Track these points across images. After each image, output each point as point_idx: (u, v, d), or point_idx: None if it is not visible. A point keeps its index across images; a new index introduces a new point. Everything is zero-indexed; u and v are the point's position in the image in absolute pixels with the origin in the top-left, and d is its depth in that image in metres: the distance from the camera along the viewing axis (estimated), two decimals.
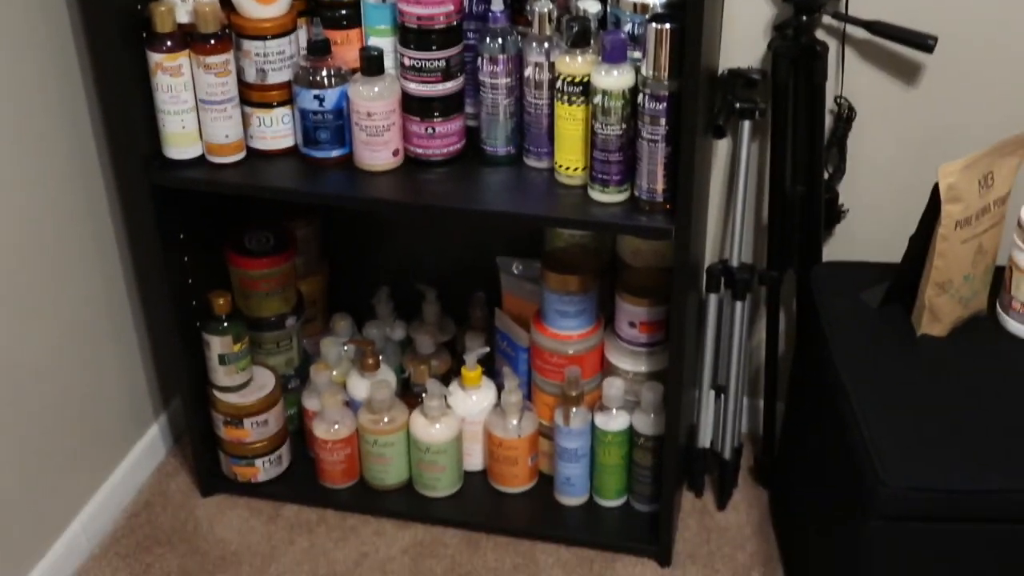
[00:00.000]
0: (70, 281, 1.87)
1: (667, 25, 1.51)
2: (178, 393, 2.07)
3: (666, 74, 1.53)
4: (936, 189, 1.56)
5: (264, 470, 2.04)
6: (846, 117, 1.82)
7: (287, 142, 1.75)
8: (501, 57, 1.64)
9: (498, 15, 1.63)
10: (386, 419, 1.96)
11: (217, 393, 1.97)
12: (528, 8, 1.64)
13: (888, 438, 1.50)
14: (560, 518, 2.00)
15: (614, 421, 1.91)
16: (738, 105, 1.76)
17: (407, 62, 1.66)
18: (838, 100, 1.82)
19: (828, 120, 1.82)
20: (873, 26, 1.72)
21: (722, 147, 1.92)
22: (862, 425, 1.52)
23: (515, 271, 2.00)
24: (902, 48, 1.76)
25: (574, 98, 1.61)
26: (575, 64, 1.59)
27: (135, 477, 2.10)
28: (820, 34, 1.77)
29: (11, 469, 1.78)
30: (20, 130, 1.71)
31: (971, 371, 1.62)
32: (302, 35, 1.72)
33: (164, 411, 2.18)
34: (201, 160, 1.75)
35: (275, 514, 2.05)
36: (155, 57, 1.66)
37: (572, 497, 2.01)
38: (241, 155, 1.75)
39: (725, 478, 2.04)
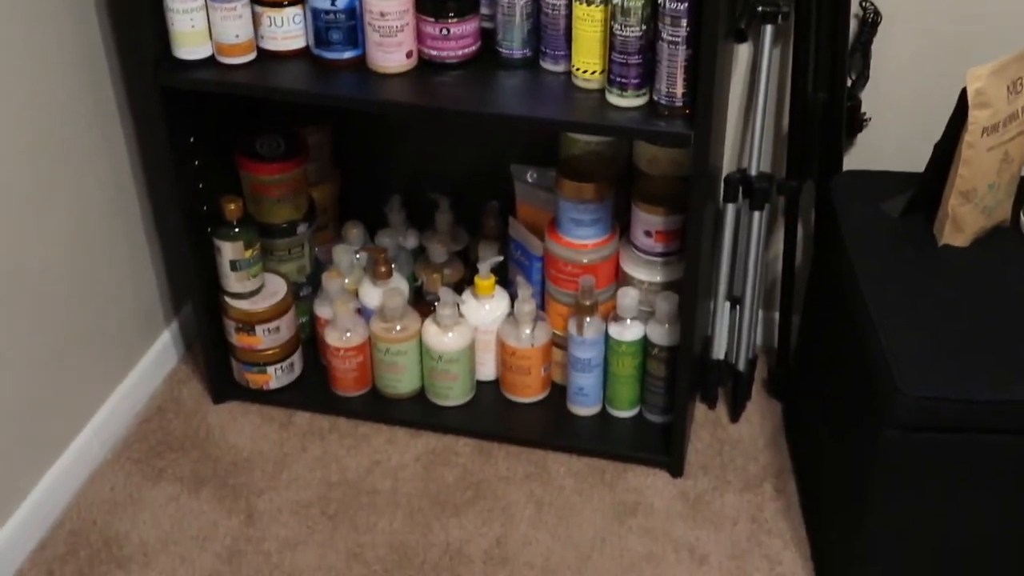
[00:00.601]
0: (79, 186, 1.85)
1: None
2: (189, 300, 2.06)
3: None
4: (963, 94, 1.53)
5: (276, 377, 2.04)
6: (871, 21, 1.77)
7: (298, 43, 1.71)
8: None
9: None
10: (398, 327, 1.95)
11: (228, 300, 1.96)
12: None
13: (906, 347, 1.48)
14: (572, 428, 2.00)
15: (628, 331, 1.90)
16: (760, 8, 1.72)
17: None
18: (863, 4, 1.77)
19: (852, 25, 1.77)
20: None
21: (742, 52, 1.88)
22: (880, 334, 1.51)
23: (529, 179, 1.97)
24: None
25: None
26: None
27: (147, 384, 2.10)
28: None
29: (24, 375, 1.78)
30: (28, 31, 1.67)
31: (992, 282, 1.60)
32: None
33: (175, 318, 2.17)
34: (211, 61, 1.72)
35: (287, 421, 2.05)
36: None
37: (585, 407, 2.00)
38: (252, 56, 1.72)
39: (739, 390, 2.03)
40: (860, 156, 1.92)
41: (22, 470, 1.81)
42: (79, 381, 1.93)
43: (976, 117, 1.52)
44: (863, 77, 1.83)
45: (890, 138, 1.89)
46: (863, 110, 1.86)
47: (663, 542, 1.84)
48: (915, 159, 1.70)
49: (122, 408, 2.03)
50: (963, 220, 1.62)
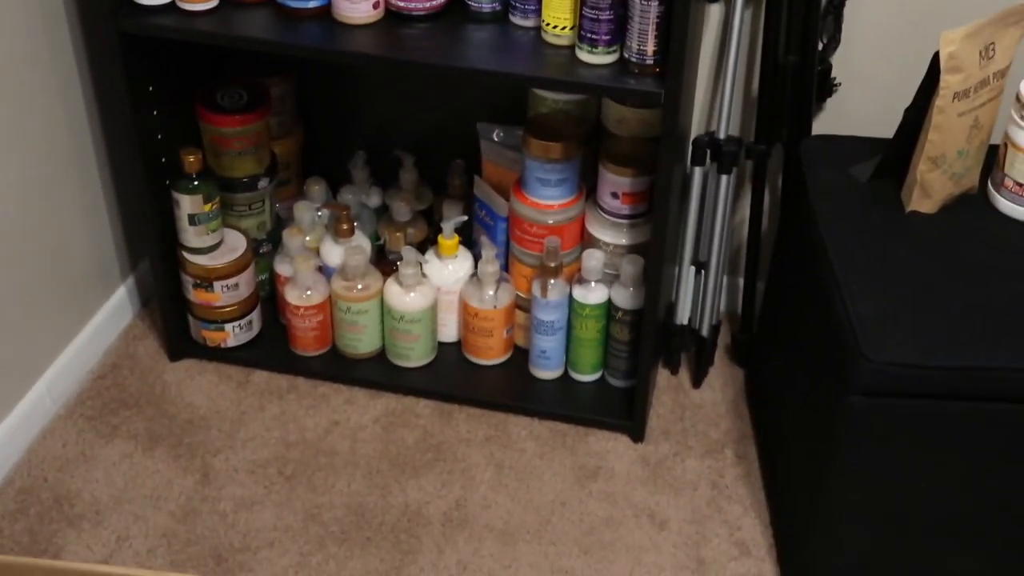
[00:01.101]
0: (33, 134, 1.80)
1: None
2: (146, 254, 2.02)
3: None
4: (936, 58, 1.51)
5: (234, 335, 2.01)
6: None
7: None
8: None
9: None
10: (360, 286, 1.92)
11: (187, 255, 1.92)
12: None
13: (872, 313, 1.47)
14: (534, 391, 1.98)
15: (592, 294, 1.88)
16: None
17: None
18: None
19: None
20: None
21: (714, 13, 1.86)
22: (846, 299, 1.50)
23: (496, 138, 1.94)
24: None
25: None
26: None
27: (102, 339, 2.06)
28: None
29: None
30: None
31: (959, 249, 1.59)
32: None
33: (132, 273, 2.13)
34: (171, 7, 1.67)
35: (245, 380, 2.02)
36: None
37: (547, 371, 1.98)
38: (214, 2, 1.67)
39: (702, 356, 2.02)
40: (830, 121, 1.91)
41: None
42: (32, 335, 1.88)
43: (948, 82, 1.51)
44: (834, 41, 1.81)
45: (860, 103, 1.88)
46: (833, 75, 1.85)
47: (623, 506, 1.83)
48: (885, 125, 1.69)
49: (76, 364, 1.99)
50: (931, 186, 1.61)
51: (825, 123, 1.91)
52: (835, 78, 1.85)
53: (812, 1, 1.74)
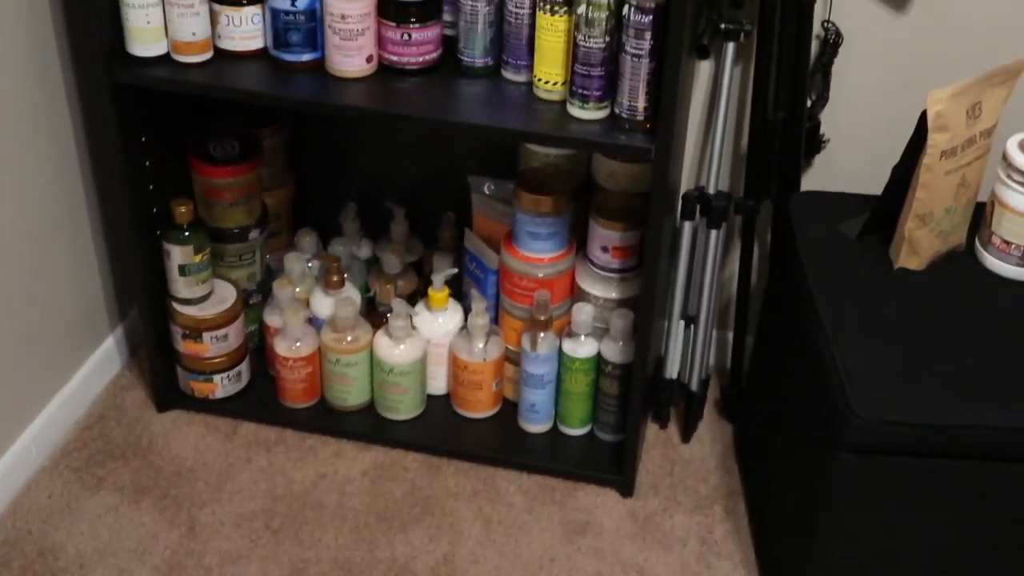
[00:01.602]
0: (24, 183, 1.80)
1: None
2: (135, 304, 2.01)
3: None
4: (923, 117, 1.53)
5: (223, 386, 2.00)
6: (833, 43, 1.78)
7: (256, 43, 1.68)
8: None
9: None
10: (349, 338, 1.92)
11: (176, 305, 1.92)
12: None
13: (861, 369, 1.47)
14: (523, 445, 1.97)
15: (582, 348, 1.88)
16: (723, 25, 1.71)
17: None
18: (825, 24, 1.77)
19: (814, 46, 1.78)
20: None
21: (703, 69, 1.87)
22: (836, 355, 1.50)
23: (487, 191, 1.95)
24: None
25: (557, 7, 1.55)
26: None
27: (88, 390, 2.05)
28: None
29: None
30: None
31: (947, 306, 1.60)
32: None
33: (121, 323, 2.12)
34: (166, 59, 1.68)
35: (232, 432, 2.01)
36: None
37: (536, 424, 1.98)
38: (208, 55, 1.68)
39: (691, 410, 2.02)
40: (818, 177, 1.92)
41: None
42: (18, 385, 1.87)
43: (935, 140, 1.53)
44: (823, 98, 1.83)
45: (848, 160, 1.90)
46: (822, 131, 1.86)
47: (612, 562, 1.81)
48: (873, 181, 1.70)
49: (62, 414, 1.98)
50: (919, 243, 1.62)
51: (813, 179, 1.92)
52: (823, 135, 1.87)
53: (801, 59, 1.75)
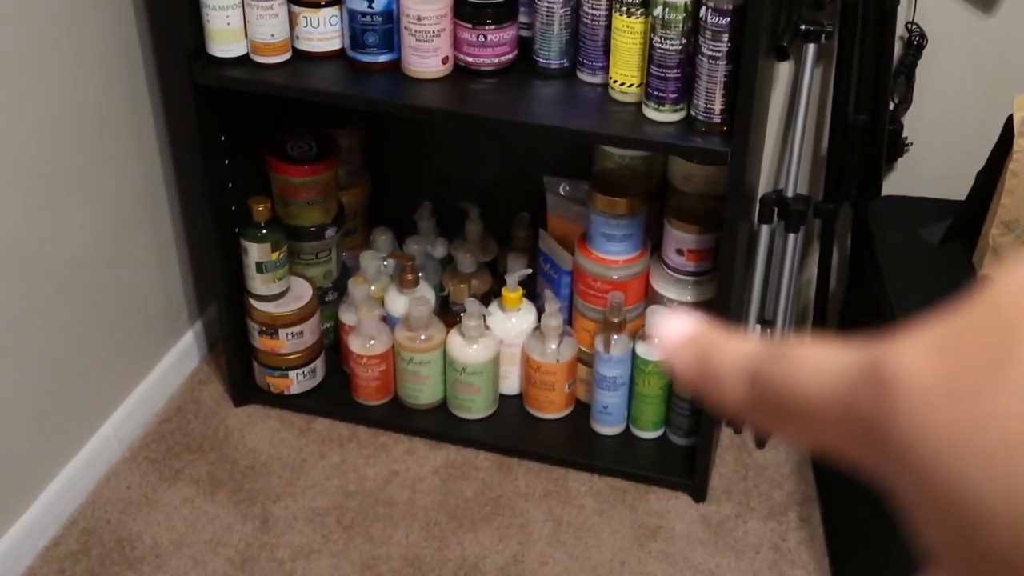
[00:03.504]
0: (108, 182, 1.84)
1: None
2: (214, 300, 2.05)
3: None
4: (1009, 121, 1.49)
5: (298, 382, 2.02)
6: (916, 44, 1.74)
7: (334, 44, 1.70)
8: None
9: None
10: (423, 337, 1.93)
11: (253, 302, 1.94)
12: None
13: None
14: (595, 447, 1.96)
15: (656, 350, 1.86)
16: (803, 27, 1.69)
17: None
18: (909, 26, 1.73)
19: (897, 47, 1.74)
20: None
21: (783, 71, 1.85)
22: None
23: (562, 192, 1.94)
24: None
25: (633, 9, 1.54)
26: None
27: (168, 383, 2.08)
28: None
29: (47, 369, 1.76)
30: (63, 24, 1.66)
31: None
32: None
33: (200, 318, 2.16)
34: (245, 59, 1.70)
35: (307, 427, 2.03)
36: None
37: (608, 426, 1.97)
38: (286, 56, 1.70)
39: None
40: (900, 181, 1.88)
41: (39, 465, 1.80)
42: (100, 378, 1.91)
43: (1021, 145, 1.48)
44: (906, 101, 1.79)
45: (931, 164, 1.85)
46: (904, 134, 1.83)
47: (683, 567, 1.80)
48: (956, 187, 1.66)
49: (142, 406, 2.02)
50: (1004, 251, 1.58)
51: (895, 183, 1.88)
52: (906, 138, 1.83)
53: (884, 60, 1.72)
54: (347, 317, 1.99)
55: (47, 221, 1.71)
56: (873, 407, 0.25)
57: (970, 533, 0.22)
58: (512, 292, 1.92)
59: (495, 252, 2.07)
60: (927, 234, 1.68)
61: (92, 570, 1.77)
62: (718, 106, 1.55)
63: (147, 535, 1.83)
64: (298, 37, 1.69)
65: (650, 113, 1.59)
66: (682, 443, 1.95)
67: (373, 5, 1.63)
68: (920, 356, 0.24)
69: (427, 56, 1.65)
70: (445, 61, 1.66)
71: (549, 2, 1.61)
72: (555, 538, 1.84)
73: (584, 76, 1.66)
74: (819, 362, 0.28)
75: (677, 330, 0.32)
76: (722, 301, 1.71)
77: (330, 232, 1.99)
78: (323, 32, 1.68)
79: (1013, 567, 0.22)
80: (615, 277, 1.85)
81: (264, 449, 1.99)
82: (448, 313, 1.99)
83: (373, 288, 1.98)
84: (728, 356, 0.31)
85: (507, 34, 1.64)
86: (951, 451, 0.23)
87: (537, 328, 1.94)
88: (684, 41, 1.52)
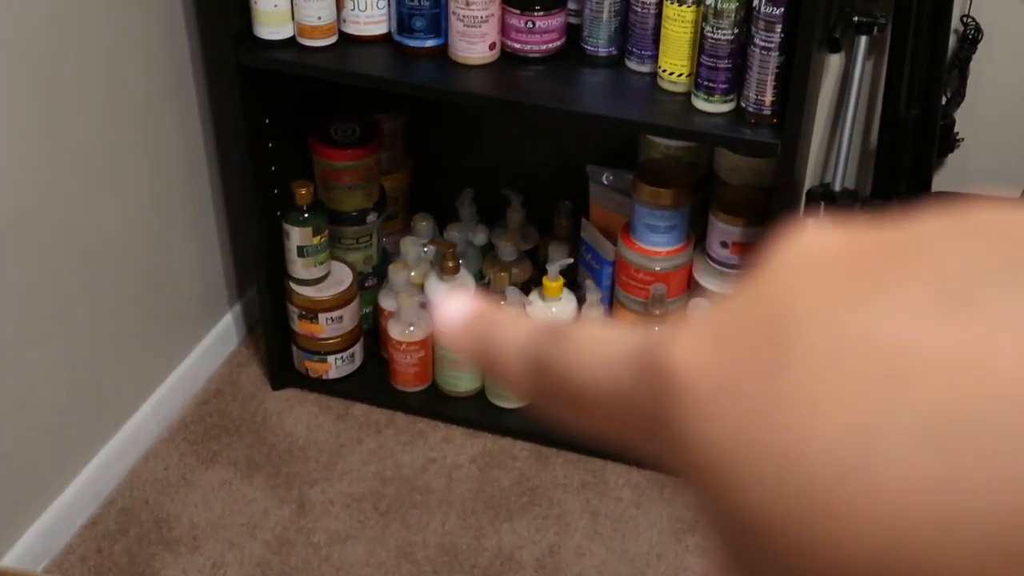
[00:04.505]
0: (153, 163, 1.84)
1: None
2: (254, 283, 2.04)
3: None
4: None
5: (336, 367, 2.02)
6: (971, 38, 1.71)
7: (381, 28, 1.69)
8: None
9: None
10: None
11: (294, 285, 1.94)
12: None
13: None
14: None
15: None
16: (856, 19, 1.66)
17: None
18: (964, 19, 1.70)
19: (951, 41, 1.71)
20: None
21: (833, 62, 1.82)
22: None
23: (605, 181, 1.93)
24: None
25: None
26: None
27: (207, 365, 2.09)
28: None
29: (87, 349, 1.77)
30: (110, 6, 1.66)
31: None
32: None
33: (239, 300, 2.16)
34: (291, 42, 1.69)
35: (345, 412, 2.03)
36: None
37: None
38: (333, 39, 1.69)
39: None
40: (951, 177, 1.85)
41: (78, 444, 1.80)
42: (140, 358, 1.92)
43: None
44: (959, 95, 1.76)
45: (984, 160, 1.82)
46: (956, 130, 1.80)
47: None
48: (1009, 183, 1.63)
49: (181, 388, 2.02)
50: None
51: (946, 179, 1.85)
52: (958, 133, 1.80)
53: (937, 54, 1.69)
54: (387, 303, 1.99)
55: (90, 202, 1.71)
56: (650, 401, 0.22)
57: (757, 540, 0.21)
58: (553, 281, 1.91)
59: (536, 240, 2.06)
60: None
61: (129, 549, 1.78)
62: (768, 98, 1.52)
63: (184, 516, 1.84)
64: (345, 20, 1.68)
65: (699, 103, 1.57)
66: None
67: None
68: (696, 347, 0.22)
69: (474, 42, 1.63)
70: (492, 47, 1.65)
71: None
72: (592, 530, 1.83)
73: (632, 65, 1.64)
74: (599, 345, 0.25)
75: (455, 310, 0.30)
76: None
77: (371, 217, 1.98)
78: (370, 16, 1.67)
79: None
80: (658, 268, 1.83)
81: (301, 433, 1.99)
82: None
83: (413, 274, 1.97)
84: (510, 337, 0.28)
85: (556, 21, 1.63)
86: (733, 456, 0.21)
87: (577, 318, 1.92)
88: (736, 31, 1.50)
